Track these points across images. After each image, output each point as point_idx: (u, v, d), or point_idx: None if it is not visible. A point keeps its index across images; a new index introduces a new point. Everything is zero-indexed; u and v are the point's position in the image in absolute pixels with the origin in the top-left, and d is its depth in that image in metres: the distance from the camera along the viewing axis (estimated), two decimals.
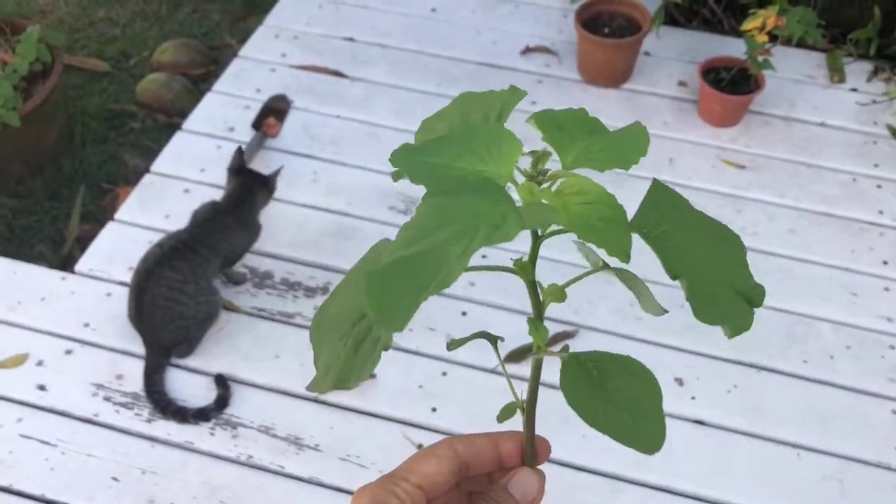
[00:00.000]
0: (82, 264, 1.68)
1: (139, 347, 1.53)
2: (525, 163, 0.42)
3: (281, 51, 2.14)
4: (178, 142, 1.92)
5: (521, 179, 0.41)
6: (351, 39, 2.18)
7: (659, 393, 0.44)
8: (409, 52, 2.14)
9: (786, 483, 1.41)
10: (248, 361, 1.54)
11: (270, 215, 1.71)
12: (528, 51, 2.15)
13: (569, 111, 0.45)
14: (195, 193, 1.79)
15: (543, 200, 0.39)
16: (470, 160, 0.41)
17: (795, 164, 1.91)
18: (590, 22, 2.05)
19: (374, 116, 1.98)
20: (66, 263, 1.73)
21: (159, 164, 1.87)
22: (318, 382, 0.43)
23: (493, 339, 0.50)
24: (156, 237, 1.59)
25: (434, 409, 1.48)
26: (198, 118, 1.97)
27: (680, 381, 1.52)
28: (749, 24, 1.83)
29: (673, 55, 2.14)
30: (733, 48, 2.06)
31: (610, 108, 2.01)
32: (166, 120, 2.07)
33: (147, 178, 1.84)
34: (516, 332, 1.41)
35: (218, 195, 1.63)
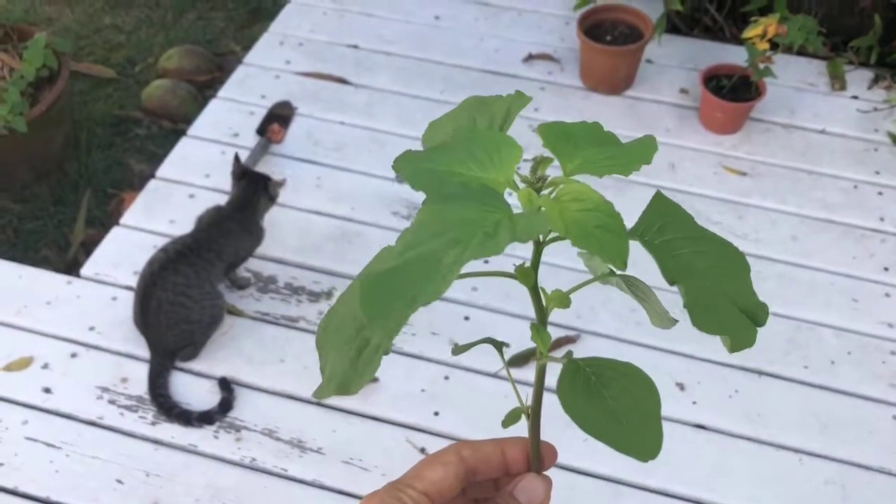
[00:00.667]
0: (88, 269, 1.69)
1: (144, 351, 1.54)
2: (528, 168, 0.43)
3: (285, 58, 2.15)
4: (183, 147, 1.93)
5: (521, 186, 0.42)
6: (355, 47, 2.19)
7: (657, 400, 0.43)
8: (412, 59, 2.16)
9: (787, 488, 1.42)
10: (251, 365, 1.55)
11: (275, 220, 1.72)
12: (530, 58, 2.16)
13: (583, 123, 0.45)
14: (200, 199, 1.80)
15: (541, 207, 0.39)
16: (470, 166, 0.41)
17: (796, 171, 1.92)
18: (592, 30, 2.06)
19: (377, 123, 2.00)
20: (71, 268, 1.75)
21: (164, 169, 1.88)
22: (323, 389, 0.43)
23: (499, 345, 0.50)
24: (161, 242, 1.60)
25: (437, 413, 1.49)
26: (203, 124, 1.99)
27: (681, 386, 1.53)
28: (750, 32, 1.84)
29: (675, 63, 2.15)
30: (734, 56, 2.07)
31: (612, 116, 2.02)
32: (171, 126, 2.09)
33: (152, 184, 1.85)
34: (519, 337, 1.43)
35: (222, 200, 1.64)
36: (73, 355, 1.56)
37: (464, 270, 0.37)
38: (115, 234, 1.75)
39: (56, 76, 1.91)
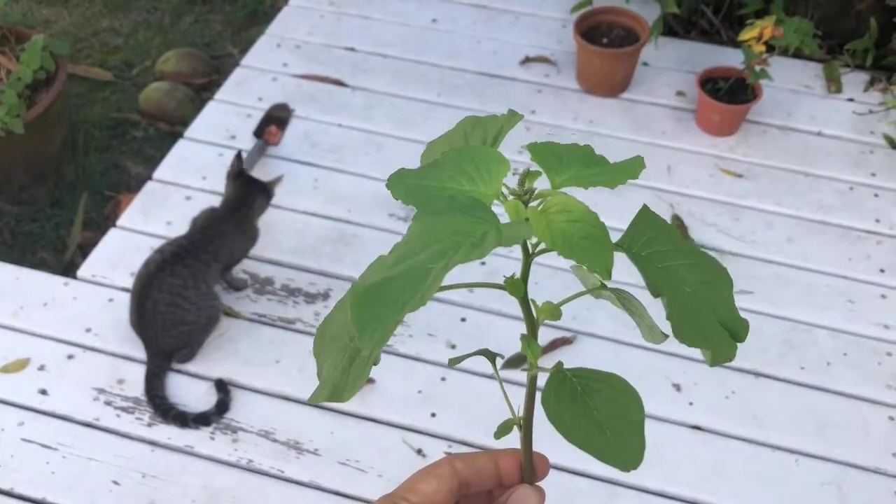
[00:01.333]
0: (84, 270, 1.69)
1: (140, 352, 1.54)
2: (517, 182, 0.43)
3: (283, 60, 2.16)
4: (179, 149, 1.94)
5: (510, 198, 0.42)
6: (352, 49, 2.20)
7: (641, 411, 0.44)
8: (409, 61, 2.16)
9: (784, 489, 1.42)
10: (248, 366, 1.55)
11: (271, 222, 1.72)
12: (527, 61, 2.17)
13: (574, 146, 0.45)
14: (197, 200, 1.80)
15: (527, 218, 0.40)
16: (460, 181, 0.42)
17: (793, 173, 1.92)
18: (589, 32, 2.07)
19: (374, 125, 2.00)
20: (68, 269, 1.75)
21: (161, 171, 1.88)
22: (317, 394, 0.44)
23: (492, 357, 0.50)
24: (157, 244, 1.60)
25: (433, 415, 1.49)
26: (200, 126, 1.99)
27: (678, 387, 1.53)
28: (746, 35, 1.84)
29: (671, 65, 2.16)
30: (731, 58, 2.08)
31: (608, 118, 2.03)
32: (168, 128, 2.09)
33: (149, 186, 1.85)
34: (515, 338, 1.42)
35: (219, 202, 1.64)
36: (70, 357, 1.56)
37: (459, 280, 0.37)
38: (111, 235, 1.76)
39: (53, 78, 1.91)
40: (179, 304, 1.49)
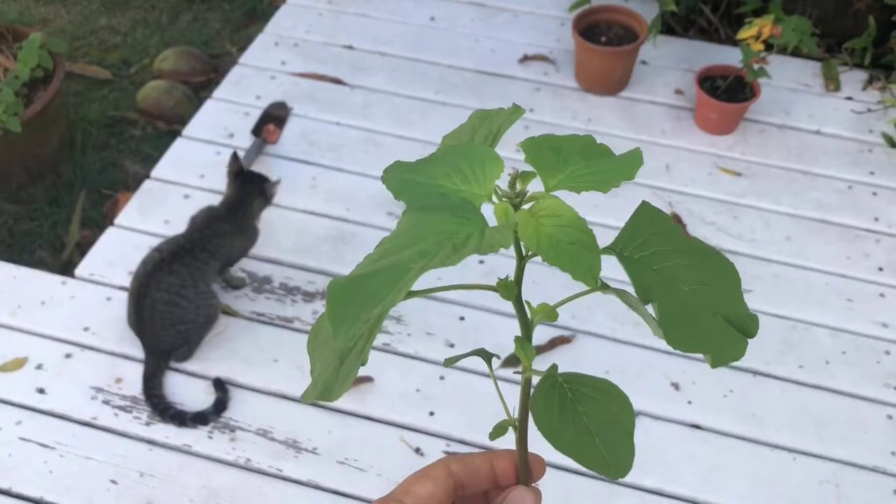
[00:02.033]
0: (82, 269, 1.69)
1: (138, 351, 1.54)
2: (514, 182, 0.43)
3: (281, 58, 2.15)
4: (178, 148, 1.93)
5: (503, 200, 0.42)
6: (350, 47, 2.19)
7: (632, 417, 0.43)
8: (408, 60, 2.16)
9: (782, 487, 1.42)
10: (246, 365, 1.54)
11: (270, 221, 1.72)
12: (526, 59, 2.17)
13: (574, 136, 0.44)
14: (195, 199, 1.80)
15: (515, 221, 0.40)
16: (454, 179, 0.42)
17: (791, 172, 1.92)
18: (587, 31, 2.07)
19: (373, 123, 2.00)
20: (66, 268, 1.74)
21: (159, 169, 1.88)
22: (308, 393, 0.44)
23: (488, 357, 0.50)
24: (155, 242, 1.60)
25: (432, 413, 1.49)
26: (198, 125, 1.99)
27: (676, 386, 1.53)
28: (745, 33, 1.84)
29: (670, 64, 2.16)
30: (729, 57, 2.08)
31: (607, 116, 2.03)
32: (166, 127, 2.08)
33: (147, 184, 1.85)
34: (514, 337, 1.43)
35: (217, 201, 1.64)
36: (68, 356, 1.55)
37: (458, 278, 0.37)
38: (109, 234, 1.75)
39: (51, 77, 1.90)
40: (178, 302, 1.49)
